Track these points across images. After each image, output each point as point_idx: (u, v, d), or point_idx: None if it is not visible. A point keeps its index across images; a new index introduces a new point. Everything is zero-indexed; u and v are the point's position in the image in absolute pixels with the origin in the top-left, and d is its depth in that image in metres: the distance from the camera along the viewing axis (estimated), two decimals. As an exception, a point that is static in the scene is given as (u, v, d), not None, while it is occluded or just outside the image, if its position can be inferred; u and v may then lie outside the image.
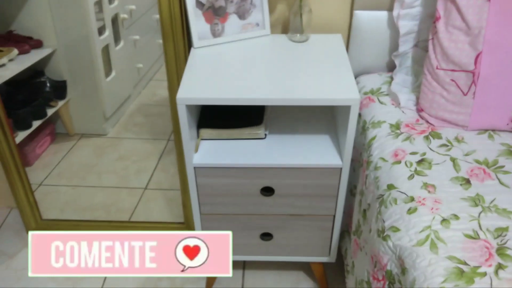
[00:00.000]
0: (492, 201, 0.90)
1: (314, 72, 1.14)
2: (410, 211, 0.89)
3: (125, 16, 2.35)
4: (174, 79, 1.32)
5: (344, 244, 1.34)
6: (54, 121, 2.13)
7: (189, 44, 1.30)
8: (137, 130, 2.39)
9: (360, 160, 1.21)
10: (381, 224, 0.92)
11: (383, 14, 1.29)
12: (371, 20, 1.30)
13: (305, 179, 1.18)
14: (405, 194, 0.93)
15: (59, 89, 2.06)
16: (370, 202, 1.04)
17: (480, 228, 0.84)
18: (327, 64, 1.18)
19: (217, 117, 1.24)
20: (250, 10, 1.28)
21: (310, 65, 1.17)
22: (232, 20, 1.28)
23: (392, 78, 1.32)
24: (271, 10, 1.34)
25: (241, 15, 1.28)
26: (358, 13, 1.30)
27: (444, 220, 0.86)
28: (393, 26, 1.30)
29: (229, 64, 1.19)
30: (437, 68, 1.10)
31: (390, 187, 0.97)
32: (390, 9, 1.28)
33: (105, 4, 2.09)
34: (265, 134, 1.24)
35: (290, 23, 1.29)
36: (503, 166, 0.98)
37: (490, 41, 1.03)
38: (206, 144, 1.22)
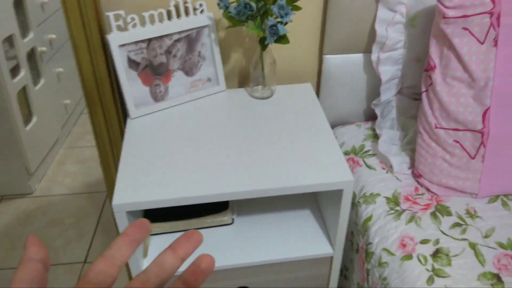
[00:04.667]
0: (537, 309, 0.71)
1: (287, 142, 0.90)
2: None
3: (44, 49, 2.01)
4: (109, 157, 1.04)
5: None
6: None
7: (124, 112, 1.03)
8: (70, 182, 2.05)
9: (352, 241, 0.99)
10: None
11: (357, 57, 1.08)
12: (344, 64, 1.09)
13: (288, 273, 0.95)
14: (429, 309, 0.72)
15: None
16: (378, 309, 0.82)
17: None
18: (302, 128, 0.95)
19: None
20: (198, 64, 1.03)
21: (280, 131, 0.94)
22: (178, 79, 1.01)
23: (373, 130, 1.12)
24: (224, 60, 1.09)
25: (188, 71, 1.02)
26: (328, 58, 1.08)
27: None
28: (368, 69, 1.10)
29: (178, 137, 0.92)
30: (436, 127, 0.90)
31: (406, 296, 0.75)
32: (365, 51, 1.08)
33: (17, 39, 1.74)
34: (233, 219, 0.99)
35: (250, 75, 1.05)
36: (533, 250, 0.80)
37: (499, 94, 0.85)
38: (157, 241, 0.95)
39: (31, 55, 1.92)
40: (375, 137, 1.09)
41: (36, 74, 1.98)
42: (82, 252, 1.68)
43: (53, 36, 2.13)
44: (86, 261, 1.64)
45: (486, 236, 0.83)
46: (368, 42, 1.06)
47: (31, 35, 1.89)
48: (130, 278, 1.00)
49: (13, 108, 1.72)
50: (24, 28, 1.86)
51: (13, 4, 1.73)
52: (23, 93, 1.84)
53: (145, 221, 0.32)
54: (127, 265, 1.10)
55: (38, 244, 0.31)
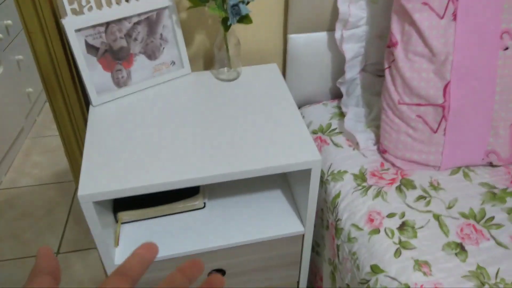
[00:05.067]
0: (497, 274, 0.74)
1: (255, 124, 0.90)
2: (408, 305, 0.70)
3: (0, 36, 1.92)
4: (74, 146, 1.01)
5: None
6: None
7: (85, 98, 0.99)
8: (37, 172, 1.99)
9: (322, 219, 1.01)
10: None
11: (321, 35, 1.08)
12: (308, 43, 1.09)
13: (261, 253, 0.96)
14: (397, 280, 0.75)
15: None
16: (349, 283, 0.85)
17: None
18: (269, 109, 0.94)
19: (138, 192, 0.96)
20: (161, 47, 1.00)
21: (247, 113, 0.93)
22: (140, 63, 0.99)
23: (339, 108, 1.13)
24: (188, 42, 1.07)
25: (151, 55, 0.99)
26: (292, 37, 1.07)
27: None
28: (333, 48, 1.10)
29: (143, 124, 0.91)
30: (399, 103, 0.92)
31: (375, 269, 0.78)
32: (329, 29, 1.08)
33: (-29, 27, 1.65)
34: (204, 203, 0.98)
35: (214, 57, 1.03)
36: (492, 218, 0.84)
37: (459, 68, 0.87)
38: (128, 229, 0.94)
39: (-14, 43, 1.83)
40: (342, 115, 1.10)
41: (-8, 62, 1.89)
42: (54, 243, 1.65)
43: (9, 22, 2.03)
44: (59, 252, 1.61)
45: (449, 207, 0.86)
46: (331, 20, 1.06)
47: (-16, 22, 1.80)
48: (104, 270, 0.99)
49: (-31, 99, 1.65)
50: (-24, 14, 1.76)
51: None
52: (-20, 82, 1.76)
53: (154, 244, 0.34)
54: (99, 256, 1.09)
55: (49, 257, 0.31)
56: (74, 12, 0.87)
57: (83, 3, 0.87)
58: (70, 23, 0.86)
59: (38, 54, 0.90)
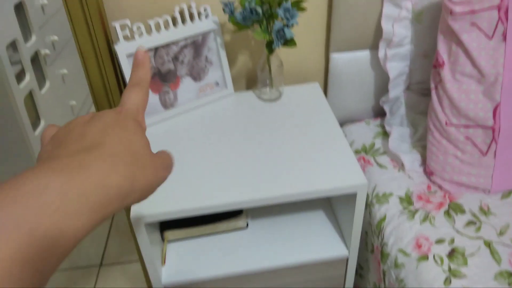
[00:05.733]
0: (555, 306, 0.71)
1: (298, 145, 0.90)
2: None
3: (47, 51, 2.01)
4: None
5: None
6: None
7: (134, 120, 1.03)
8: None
9: (366, 242, 1.00)
10: None
11: (364, 54, 1.08)
12: (350, 62, 1.08)
13: (304, 275, 0.96)
14: (447, 310, 0.73)
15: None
16: (395, 309, 0.83)
17: None
18: (312, 129, 0.95)
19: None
20: (206, 69, 1.02)
21: (290, 133, 0.94)
22: (186, 84, 1.01)
23: (382, 127, 1.12)
24: (231, 64, 1.09)
25: (196, 76, 1.02)
26: (335, 56, 1.07)
27: None
28: (376, 66, 1.09)
29: (189, 145, 0.93)
30: (446, 124, 0.90)
31: (424, 297, 0.76)
32: (372, 47, 1.07)
33: (20, 43, 1.74)
34: (247, 223, 0.99)
35: (257, 78, 1.04)
36: (548, 245, 0.80)
37: (509, 89, 0.84)
38: (173, 248, 0.96)
39: (35, 59, 1.92)
40: (385, 134, 1.09)
41: (41, 78, 1.98)
42: (97, 255, 1.70)
43: (55, 37, 2.12)
44: (102, 264, 1.66)
45: (501, 234, 0.83)
46: (374, 39, 1.05)
47: (33, 39, 1.89)
48: (147, 283, 1.02)
49: (21, 114, 1.73)
50: (26, 32, 1.86)
51: (14, 8, 1.72)
52: (30, 97, 1.85)
53: (145, 53, 0.39)
54: (145, 270, 1.11)
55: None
56: (126, 38, 0.91)
57: (134, 29, 0.91)
58: (122, 48, 0.90)
59: (91, 78, 0.94)
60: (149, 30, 0.94)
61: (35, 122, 1.90)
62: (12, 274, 0.22)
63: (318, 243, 0.94)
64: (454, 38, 0.86)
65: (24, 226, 0.23)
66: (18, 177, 0.25)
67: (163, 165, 0.34)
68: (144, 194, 0.32)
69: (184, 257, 0.94)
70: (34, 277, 0.23)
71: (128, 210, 0.88)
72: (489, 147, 0.88)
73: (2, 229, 0.22)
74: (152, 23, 0.93)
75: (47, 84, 2.01)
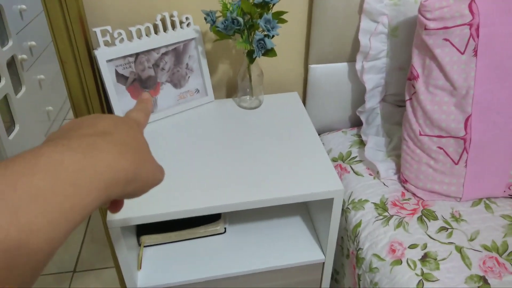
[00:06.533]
0: (521, 309, 0.74)
1: (276, 152, 0.92)
2: None
3: (24, 56, 1.98)
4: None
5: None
6: None
7: (113, 125, 1.02)
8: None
9: (342, 247, 1.01)
10: None
11: (342, 66, 1.11)
12: (328, 73, 1.11)
13: (281, 279, 0.96)
14: (420, 313, 0.75)
15: None
16: (370, 314, 0.85)
17: None
18: (290, 137, 0.96)
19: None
20: (186, 76, 1.03)
21: (269, 141, 0.95)
22: (166, 91, 1.02)
23: (359, 136, 1.14)
24: (212, 72, 1.10)
25: (177, 83, 1.03)
26: (313, 67, 1.10)
27: None
28: (352, 78, 1.12)
29: (167, 150, 0.93)
30: (420, 134, 0.93)
31: (398, 301, 0.78)
32: (349, 60, 1.10)
33: (-5, 48, 1.72)
34: (225, 228, 1.00)
35: (237, 86, 1.06)
36: (516, 251, 0.84)
37: (480, 102, 0.88)
38: (150, 252, 0.96)
39: (11, 63, 1.89)
40: (361, 143, 1.11)
41: (17, 82, 1.95)
42: (70, 262, 1.66)
43: (33, 43, 2.10)
44: (75, 270, 1.63)
45: (471, 239, 0.86)
46: (352, 52, 1.09)
47: (10, 43, 1.86)
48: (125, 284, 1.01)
49: (-5, 119, 1.70)
50: (3, 36, 1.83)
51: (-9, 14, 1.70)
52: (5, 101, 1.82)
53: (147, 95, 0.46)
54: (120, 276, 1.10)
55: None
56: (106, 43, 0.91)
57: (115, 35, 0.91)
58: (102, 54, 0.90)
59: (70, 82, 0.94)
60: (130, 37, 0.94)
61: (10, 127, 1.86)
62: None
63: (295, 248, 0.95)
64: (428, 52, 0.90)
65: (40, 198, 0.24)
66: (35, 150, 0.27)
67: (159, 168, 0.38)
68: (143, 186, 0.34)
69: (160, 262, 0.93)
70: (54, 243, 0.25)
71: (104, 214, 0.87)
72: (460, 156, 0.91)
73: (21, 200, 0.23)
74: (133, 29, 0.93)
75: (23, 89, 1.98)
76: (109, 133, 0.32)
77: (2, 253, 0.22)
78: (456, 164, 0.92)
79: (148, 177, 0.34)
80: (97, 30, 0.90)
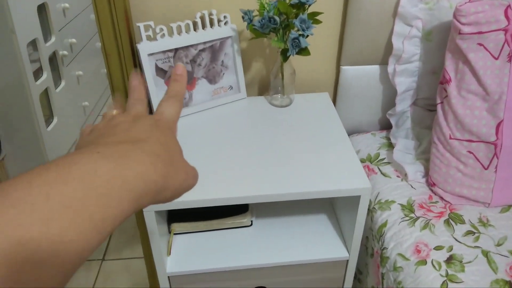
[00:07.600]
0: (547, 315, 0.74)
1: (305, 149, 0.94)
2: None
3: (65, 52, 2.07)
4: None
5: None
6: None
7: (149, 117, 1.07)
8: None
9: (366, 246, 1.03)
10: None
11: (373, 68, 1.12)
12: (360, 75, 1.13)
13: (304, 275, 0.98)
14: (443, 313, 0.75)
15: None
16: (392, 312, 0.86)
17: None
18: (319, 135, 0.99)
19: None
20: (221, 73, 1.07)
21: (298, 138, 0.98)
22: (201, 86, 1.06)
23: (388, 139, 1.15)
24: (245, 69, 1.14)
25: (211, 79, 1.07)
26: (345, 69, 1.12)
27: None
28: (384, 80, 1.14)
29: (200, 142, 0.97)
30: (450, 138, 0.94)
31: (421, 300, 0.79)
32: (381, 63, 1.12)
33: (40, 43, 1.80)
34: (252, 221, 1.03)
35: (270, 84, 1.09)
36: (544, 258, 0.83)
37: (512, 108, 0.88)
38: (179, 240, 0.99)
39: (53, 59, 1.98)
40: (390, 146, 1.12)
41: (57, 77, 2.04)
42: (100, 249, 1.72)
43: (74, 40, 2.19)
44: (104, 259, 1.69)
45: (499, 245, 0.86)
46: (384, 55, 1.10)
47: (53, 39, 1.95)
48: (153, 272, 1.05)
49: (36, 110, 1.78)
50: (47, 32, 1.92)
51: (37, 9, 1.79)
52: (45, 95, 1.90)
53: (181, 68, 0.42)
54: (151, 260, 1.14)
55: (139, 89, 0.43)
56: (149, 38, 0.96)
57: (157, 30, 0.96)
58: (144, 48, 0.95)
59: (112, 74, 0.99)
60: (170, 33, 0.99)
61: (49, 119, 1.95)
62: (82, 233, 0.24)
63: (320, 244, 0.97)
64: (461, 56, 0.91)
65: (72, 208, 0.24)
66: (68, 158, 0.27)
67: (192, 173, 0.37)
68: (173, 195, 0.34)
69: (188, 250, 0.97)
70: (92, 241, 0.25)
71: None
72: (490, 161, 0.91)
73: (53, 211, 0.23)
74: (174, 26, 0.98)
75: (62, 83, 2.07)
76: (142, 141, 0.31)
77: (31, 265, 0.22)
78: (486, 169, 0.92)
79: (180, 185, 0.34)
80: (141, 25, 0.95)
